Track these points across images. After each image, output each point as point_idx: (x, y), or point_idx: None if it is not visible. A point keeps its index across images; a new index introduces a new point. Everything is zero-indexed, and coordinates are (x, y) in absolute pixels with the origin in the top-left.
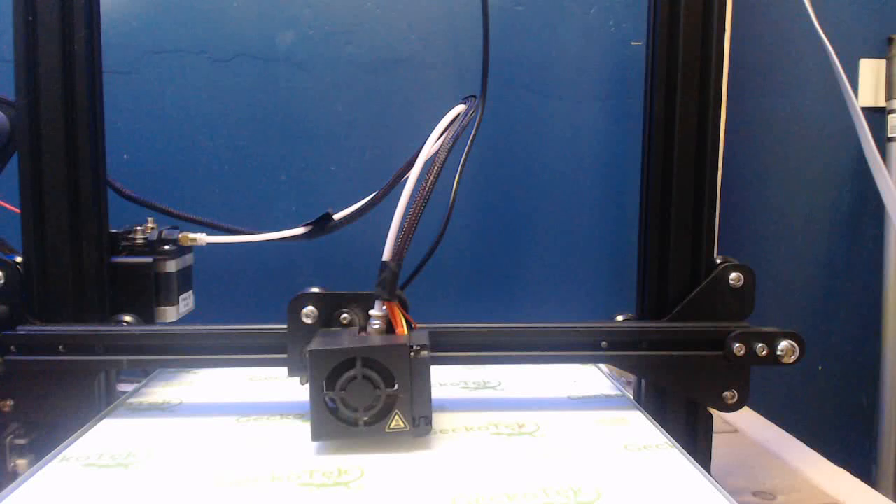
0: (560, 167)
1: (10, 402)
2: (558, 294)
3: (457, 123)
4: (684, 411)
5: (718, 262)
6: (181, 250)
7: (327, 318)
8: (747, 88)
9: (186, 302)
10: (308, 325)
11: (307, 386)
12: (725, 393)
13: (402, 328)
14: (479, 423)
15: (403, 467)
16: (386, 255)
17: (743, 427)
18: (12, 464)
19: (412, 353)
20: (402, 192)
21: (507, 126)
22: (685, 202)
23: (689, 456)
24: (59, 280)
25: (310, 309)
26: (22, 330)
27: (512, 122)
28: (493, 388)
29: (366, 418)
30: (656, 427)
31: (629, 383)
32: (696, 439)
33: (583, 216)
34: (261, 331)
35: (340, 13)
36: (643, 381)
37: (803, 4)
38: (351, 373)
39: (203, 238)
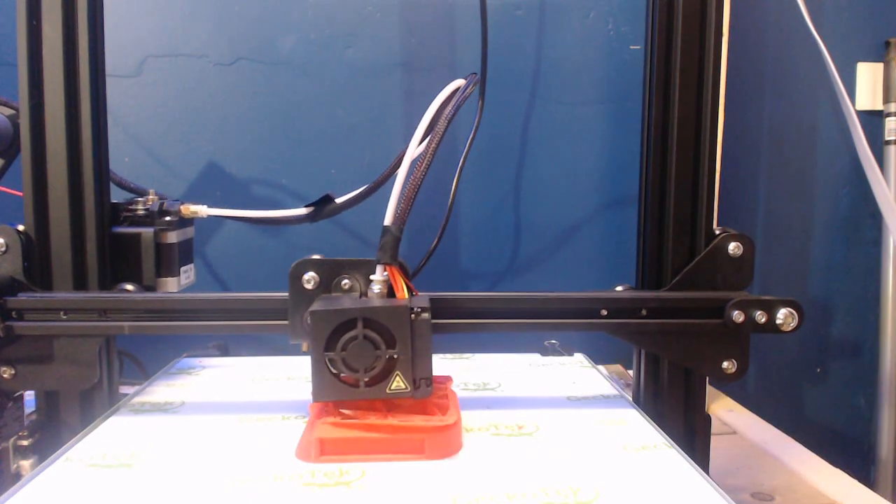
0: (559, 170)
1: (10, 371)
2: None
3: (457, 96)
4: (682, 412)
5: (717, 232)
6: (182, 222)
7: (328, 284)
8: (745, 92)
9: (188, 274)
10: (309, 290)
11: (308, 385)
12: (725, 363)
13: (403, 293)
14: (479, 425)
15: (404, 467)
16: (387, 219)
17: (741, 428)
18: (16, 465)
19: (413, 315)
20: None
21: (506, 129)
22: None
23: (687, 456)
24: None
25: (311, 274)
26: (23, 296)
27: (511, 125)
28: (492, 389)
29: (366, 379)
30: (655, 428)
31: (628, 385)
32: (694, 440)
33: (581, 220)
34: (262, 297)
35: (341, 17)
36: (642, 354)
37: (800, 9)
38: (352, 333)
39: (204, 210)
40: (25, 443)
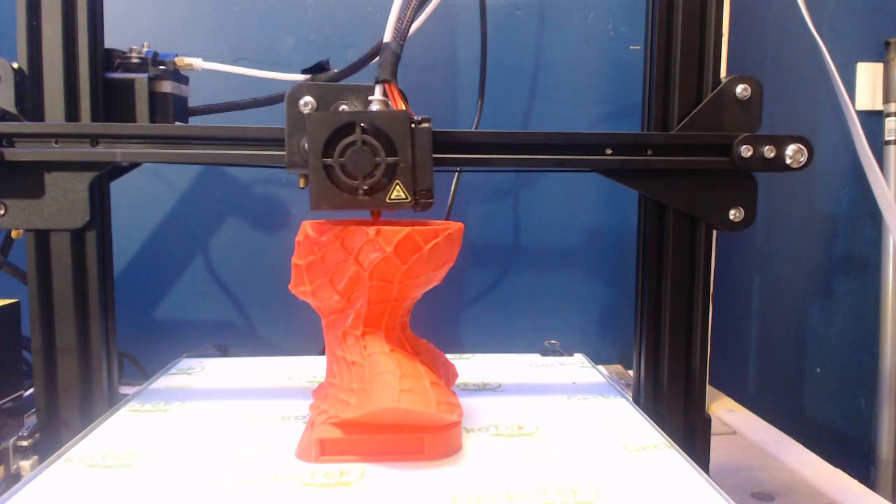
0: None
1: (1, 209)
2: (558, 309)
3: None
4: (682, 412)
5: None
6: (177, 76)
7: (326, 110)
8: None
9: None
10: (307, 114)
11: (309, 386)
12: (732, 211)
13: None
14: (479, 425)
15: (404, 468)
16: (387, 36)
17: (742, 429)
18: (15, 466)
19: (413, 125)
20: None
21: (506, 129)
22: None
23: (687, 457)
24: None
25: (308, 98)
26: (16, 123)
27: (510, 124)
28: (492, 389)
29: (365, 187)
30: (655, 428)
31: (628, 385)
32: (694, 440)
33: (580, 223)
34: (259, 127)
35: (340, 18)
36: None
37: (800, 9)
38: (350, 138)
39: (199, 63)
40: (25, 443)
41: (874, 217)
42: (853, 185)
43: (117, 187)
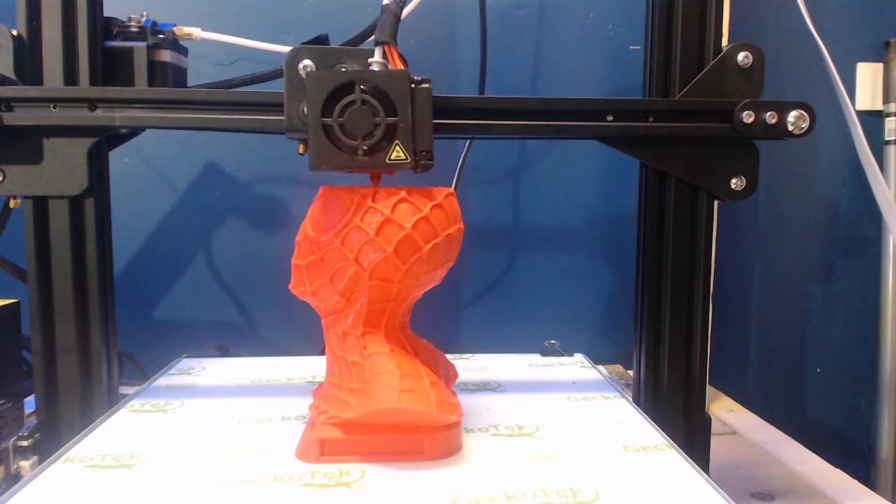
0: (558, 173)
1: None
2: (558, 308)
3: None
4: (682, 412)
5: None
6: (176, 46)
7: None
8: None
9: None
10: (306, 74)
11: (309, 386)
12: (733, 179)
13: None
14: (479, 425)
15: (404, 468)
16: None
17: (742, 429)
18: (15, 466)
19: (413, 85)
20: None
21: None
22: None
23: (687, 457)
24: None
25: (307, 62)
26: (14, 87)
27: None
28: (492, 389)
29: (365, 147)
30: (655, 428)
31: (628, 385)
32: (694, 440)
33: (580, 231)
34: (258, 91)
35: (340, 17)
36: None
37: (799, 9)
38: (350, 98)
39: (198, 33)
40: (25, 443)
41: (874, 217)
42: (853, 184)
43: (117, 187)
